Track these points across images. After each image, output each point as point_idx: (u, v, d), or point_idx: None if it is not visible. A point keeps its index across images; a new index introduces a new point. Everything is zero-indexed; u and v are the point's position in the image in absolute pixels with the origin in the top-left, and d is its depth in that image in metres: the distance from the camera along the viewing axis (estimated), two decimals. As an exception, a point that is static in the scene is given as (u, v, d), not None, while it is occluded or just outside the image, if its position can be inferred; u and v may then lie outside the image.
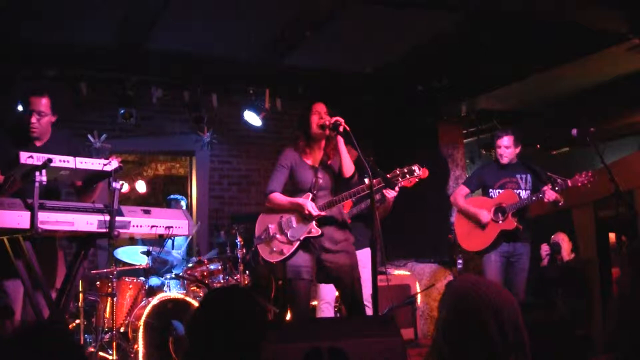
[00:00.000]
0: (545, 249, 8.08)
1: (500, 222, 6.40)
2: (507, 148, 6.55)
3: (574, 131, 6.04)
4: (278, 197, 5.28)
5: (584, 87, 8.37)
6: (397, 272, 8.42)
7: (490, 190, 6.60)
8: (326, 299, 6.49)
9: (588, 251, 8.31)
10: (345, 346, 3.55)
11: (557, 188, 6.17)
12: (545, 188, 6.23)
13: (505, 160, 6.57)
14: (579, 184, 6.12)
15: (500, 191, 6.52)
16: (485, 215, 6.45)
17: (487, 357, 2.14)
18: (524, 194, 6.44)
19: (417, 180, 5.18)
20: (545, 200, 6.20)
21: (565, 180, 6.16)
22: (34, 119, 4.85)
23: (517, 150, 6.59)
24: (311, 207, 5.08)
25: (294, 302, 5.25)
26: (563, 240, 8.05)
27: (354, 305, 5.25)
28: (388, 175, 5.01)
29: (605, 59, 7.31)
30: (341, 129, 5.03)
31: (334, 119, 5.08)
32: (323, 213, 5.11)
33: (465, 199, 6.75)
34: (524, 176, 6.53)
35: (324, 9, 6.60)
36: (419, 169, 4.99)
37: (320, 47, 7.56)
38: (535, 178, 6.50)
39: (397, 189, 5.93)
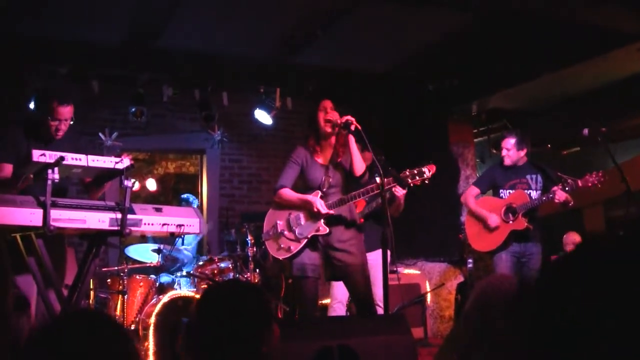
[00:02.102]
0: None
1: (511, 222, 6.38)
2: (508, 150, 6.54)
3: (585, 131, 6.03)
4: (287, 192, 5.28)
5: (595, 87, 8.35)
6: (407, 271, 8.41)
7: (501, 190, 6.58)
8: (339, 299, 6.49)
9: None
10: (356, 345, 3.56)
11: (567, 188, 6.15)
12: (555, 188, 6.21)
13: (508, 162, 6.56)
14: (590, 185, 6.09)
15: (511, 191, 6.50)
16: (494, 220, 6.44)
17: (501, 351, 2.16)
18: (534, 194, 6.42)
19: (419, 182, 5.19)
20: (556, 200, 6.18)
21: (575, 181, 6.13)
22: (62, 127, 4.92)
23: (523, 152, 6.56)
24: (320, 205, 5.07)
25: (301, 300, 5.26)
26: (574, 242, 8.02)
27: (363, 304, 5.26)
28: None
29: (616, 59, 7.30)
30: (352, 127, 5.03)
31: (345, 117, 5.08)
32: (332, 211, 5.10)
33: (476, 200, 6.74)
34: (534, 176, 6.51)
35: (335, 8, 6.61)
36: (429, 171, 4.99)
37: (331, 46, 7.56)
38: (546, 178, 6.47)
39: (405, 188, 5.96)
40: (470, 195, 6.77)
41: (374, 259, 6.09)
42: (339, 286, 6.07)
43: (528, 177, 6.52)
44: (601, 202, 8.07)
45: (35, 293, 4.81)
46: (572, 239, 8.01)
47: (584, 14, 6.47)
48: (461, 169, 9.29)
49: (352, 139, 5.13)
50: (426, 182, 5.07)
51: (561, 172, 6.34)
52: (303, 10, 6.70)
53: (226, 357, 2.39)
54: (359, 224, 5.41)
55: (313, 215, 5.14)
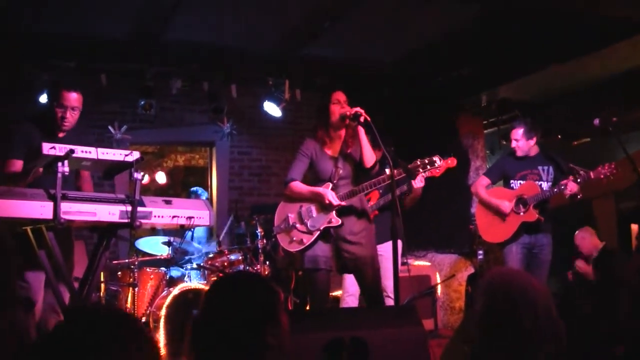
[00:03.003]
0: (569, 275, 8.09)
1: (522, 213, 6.35)
2: (517, 141, 6.52)
3: (596, 121, 6.00)
4: (298, 185, 5.27)
5: (605, 77, 8.29)
6: (417, 262, 8.40)
7: (512, 181, 6.55)
8: (350, 291, 6.47)
9: (609, 242, 8.28)
10: (367, 336, 3.56)
11: (579, 180, 6.11)
12: (566, 181, 6.17)
13: (519, 153, 6.54)
14: (602, 176, 6.05)
15: (522, 182, 6.47)
16: (507, 206, 6.41)
17: (520, 345, 2.15)
18: (545, 185, 6.39)
19: (445, 169, 5.16)
20: (567, 192, 6.14)
21: (587, 172, 6.09)
22: (68, 115, 4.96)
23: (532, 141, 6.52)
24: (331, 197, 5.06)
25: (312, 292, 5.26)
26: (584, 238, 8.03)
27: (373, 297, 5.25)
28: (409, 166, 5.01)
29: (626, 49, 7.25)
30: (362, 119, 5.01)
31: (354, 109, 5.07)
32: (343, 203, 5.09)
33: (487, 190, 6.72)
34: (545, 167, 6.47)
35: (343, 0, 6.59)
36: (440, 160, 4.99)
37: (340, 37, 7.54)
38: (557, 169, 6.45)
39: (423, 178, 5.95)
40: (481, 185, 6.74)
41: (385, 250, 6.08)
42: (351, 278, 6.06)
43: (540, 168, 6.48)
44: (612, 194, 8.02)
45: (42, 289, 4.84)
46: (580, 237, 8.02)
47: (593, 3, 6.43)
48: (471, 160, 9.27)
49: (361, 131, 5.11)
50: (444, 169, 5.05)
51: (572, 163, 6.31)
52: (312, 2, 6.67)
53: (232, 349, 2.39)
54: (369, 215, 5.41)
55: (324, 207, 5.13)
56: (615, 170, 6.00)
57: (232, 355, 2.39)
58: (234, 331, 2.41)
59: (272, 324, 2.48)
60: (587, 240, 8.01)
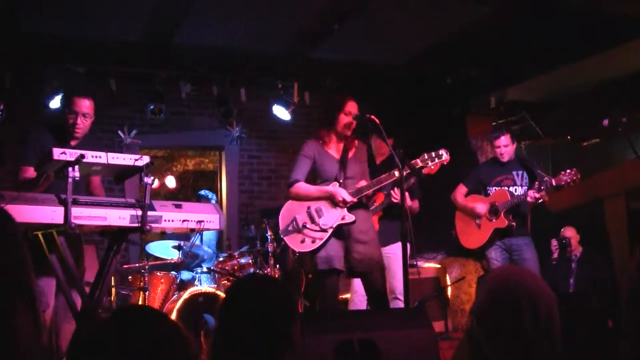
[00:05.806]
0: (554, 243, 8.07)
1: (494, 220, 6.53)
2: (505, 147, 6.68)
3: (605, 121, 6.01)
4: (304, 186, 5.27)
5: (615, 76, 8.28)
6: (427, 264, 8.40)
7: (488, 188, 6.76)
8: (360, 292, 6.48)
9: (620, 242, 8.24)
10: (377, 338, 3.56)
11: (542, 187, 6.20)
12: (529, 191, 6.33)
13: (506, 158, 6.70)
14: (563, 183, 6.12)
15: (497, 189, 6.64)
16: (481, 207, 6.62)
17: (517, 343, 2.17)
18: (520, 190, 6.55)
19: (439, 166, 5.19)
20: (529, 200, 6.29)
21: (550, 179, 6.18)
22: (79, 121, 4.97)
23: (514, 146, 6.73)
24: (344, 194, 5.07)
25: (323, 294, 5.24)
26: (572, 237, 8.05)
27: (379, 299, 5.25)
28: (418, 160, 5.02)
29: (635, 48, 7.23)
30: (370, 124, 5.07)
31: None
32: (355, 199, 5.11)
33: (464, 197, 6.91)
34: (519, 172, 6.67)
35: (352, 1, 6.59)
36: (447, 153, 5.00)
37: (348, 39, 7.54)
38: (530, 175, 6.58)
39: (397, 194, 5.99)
40: (459, 193, 6.97)
41: (393, 251, 6.08)
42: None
43: (514, 173, 6.68)
44: (623, 193, 7.98)
45: (54, 294, 4.86)
46: (569, 235, 8.03)
47: (603, 2, 6.42)
48: (480, 162, 9.24)
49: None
50: (439, 166, 5.08)
51: (581, 164, 6.32)
52: (320, 4, 6.68)
53: (258, 351, 2.40)
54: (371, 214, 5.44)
55: (335, 205, 5.13)
56: (576, 176, 6.04)
57: (255, 357, 2.40)
58: (263, 332, 2.42)
59: (297, 323, 2.50)
60: (574, 239, 8.05)
